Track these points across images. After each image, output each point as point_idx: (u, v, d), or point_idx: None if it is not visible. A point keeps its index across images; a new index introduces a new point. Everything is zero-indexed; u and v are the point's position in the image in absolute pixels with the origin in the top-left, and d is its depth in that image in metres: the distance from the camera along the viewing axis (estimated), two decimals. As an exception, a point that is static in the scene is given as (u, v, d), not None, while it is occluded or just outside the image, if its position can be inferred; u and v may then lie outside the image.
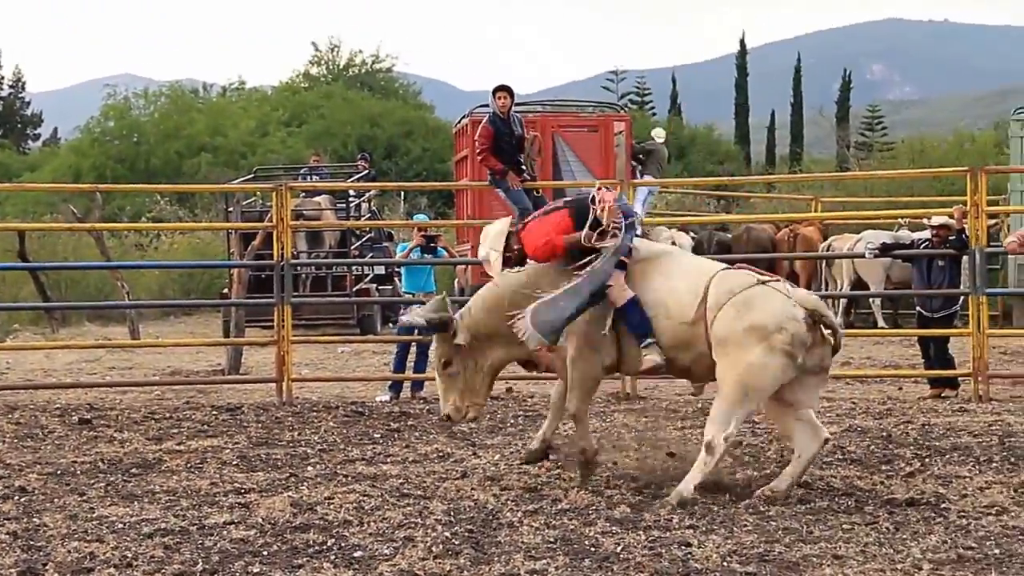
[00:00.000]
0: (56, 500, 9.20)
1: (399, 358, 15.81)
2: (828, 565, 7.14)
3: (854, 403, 14.08)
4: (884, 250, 16.13)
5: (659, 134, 25.89)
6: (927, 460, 10.35)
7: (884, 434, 11.70)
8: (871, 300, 23.99)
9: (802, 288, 10.49)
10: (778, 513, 8.41)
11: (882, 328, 22.76)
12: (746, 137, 68.49)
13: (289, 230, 15.40)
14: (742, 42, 75.99)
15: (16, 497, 9.31)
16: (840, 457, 10.51)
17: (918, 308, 15.64)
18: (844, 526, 8.06)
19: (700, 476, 8.82)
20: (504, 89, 16.12)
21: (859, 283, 23.56)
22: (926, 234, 15.87)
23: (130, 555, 7.49)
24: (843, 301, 24.05)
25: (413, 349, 15.81)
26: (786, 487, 8.92)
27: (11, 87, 72.63)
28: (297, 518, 8.43)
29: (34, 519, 8.51)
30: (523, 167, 16.22)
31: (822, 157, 59.78)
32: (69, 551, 7.58)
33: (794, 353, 8.88)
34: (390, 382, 15.71)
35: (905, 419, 12.77)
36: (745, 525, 8.11)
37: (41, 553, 7.58)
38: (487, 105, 18.58)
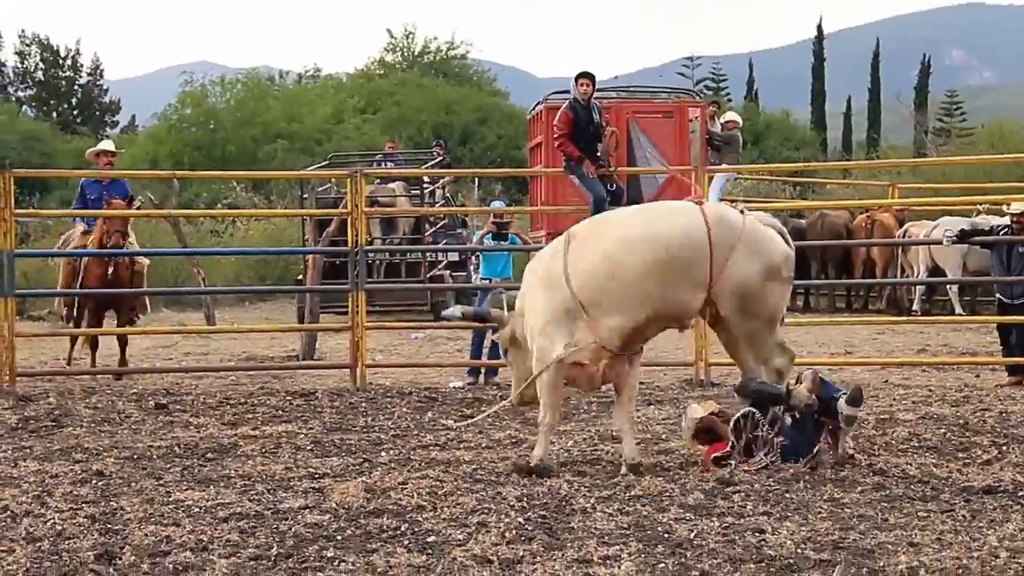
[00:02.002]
0: (133, 484, 9.29)
1: (476, 344, 15.83)
2: (903, 552, 7.08)
3: (931, 390, 13.96)
4: (962, 237, 15.97)
5: (729, 116, 25.67)
6: (1004, 448, 10.25)
7: (961, 421, 11.59)
8: (948, 287, 23.75)
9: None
10: (853, 500, 8.36)
11: (959, 315, 22.54)
12: (822, 123, 67.97)
13: (364, 216, 15.45)
14: (819, 27, 75.33)
15: (94, 481, 9.41)
16: (916, 444, 10.42)
17: (998, 295, 15.48)
18: (920, 513, 8.00)
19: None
20: (586, 76, 15.92)
21: (936, 270, 23.32)
22: (1005, 220, 15.68)
23: (206, 539, 7.56)
24: (920, 288, 23.84)
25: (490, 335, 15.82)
26: None
27: (90, 75, 73.25)
28: (371, 503, 8.46)
29: (111, 503, 8.60)
30: (599, 156, 16.08)
31: (899, 143, 59.10)
32: (146, 534, 7.66)
33: None
34: (468, 368, 15.75)
35: (982, 406, 12.65)
36: (820, 512, 8.06)
37: (118, 536, 7.66)
38: (562, 92, 18.49)
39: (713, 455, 9.65)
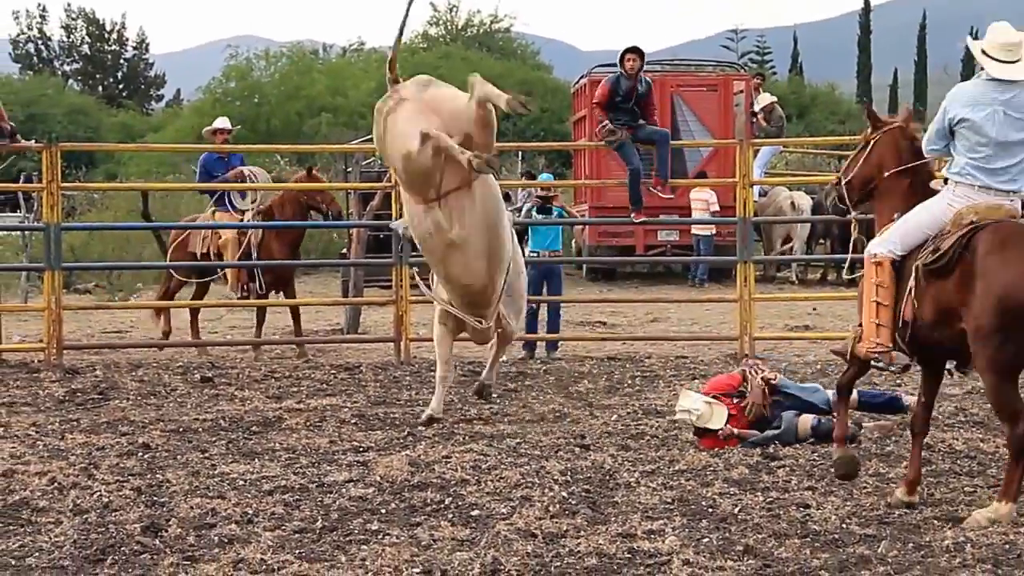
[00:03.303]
0: (179, 457, 9.36)
1: (529, 317, 15.76)
2: (949, 528, 7.08)
3: (977, 365, 13.86)
4: None
5: (766, 99, 25.44)
6: (1051, 422, 10.17)
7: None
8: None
9: None
10: (898, 475, 8.33)
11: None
12: (868, 96, 67.65)
13: (408, 190, 15.42)
14: (867, 0, 74.99)
15: (140, 454, 9.49)
16: (963, 419, 10.37)
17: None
18: (966, 489, 7.98)
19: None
20: (633, 51, 15.68)
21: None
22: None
23: (251, 511, 7.62)
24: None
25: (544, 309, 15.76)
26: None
27: (135, 49, 73.70)
28: (415, 477, 8.50)
29: (157, 475, 8.66)
30: (638, 128, 15.82)
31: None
32: (191, 507, 7.72)
33: None
34: (523, 343, 15.72)
35: (1030, 381, 12.54)
36: (864, 487, 8.05)
37: (164, 509, 7.73)
38: (606, 65, 18.38)
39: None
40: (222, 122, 17.27)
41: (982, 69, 7.73)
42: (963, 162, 7.62)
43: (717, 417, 9.66)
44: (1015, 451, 7.14)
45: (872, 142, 8.21)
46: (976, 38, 8.18)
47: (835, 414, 8.62)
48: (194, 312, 16.48)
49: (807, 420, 9.66)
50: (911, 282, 7.52)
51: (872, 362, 7.82)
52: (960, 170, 7.62)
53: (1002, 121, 7.50)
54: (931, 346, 7.67)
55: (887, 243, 7.74)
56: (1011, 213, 7.50)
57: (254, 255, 15.93)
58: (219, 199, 16.47)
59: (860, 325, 7.87)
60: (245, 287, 16.24)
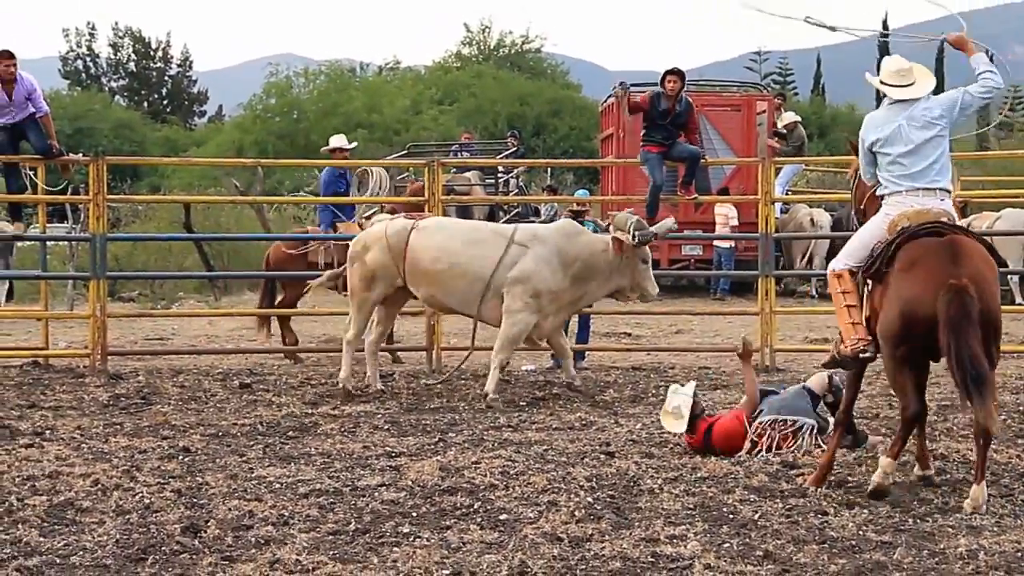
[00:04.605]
0: (217, 460, 9.54)
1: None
2: (963, 536, 7.23)
3: (991, 378, 13.93)
4: None
5: (788, 118, 25.51)
6: (1064, 434, 10.30)
7: (1021, 408, 11.69)
8: (1009, 277, 23.54)
9: None
10: (914, 484, 8.50)
11: (1019, 305, 22.37)
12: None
13: (440, 204, 15.66)
14: (884, 23, 74.97)
15: (180, 457, 9.67)
16: (977, 431, 10.48)
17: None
18: (979, 498, 8.11)
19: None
20: (673, 72, 15.67)
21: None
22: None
23: (287, 514, 7.79)
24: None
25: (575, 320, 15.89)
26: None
27: (179, 66, 74.22)
28: (445, 481, 8.65)
29: (197, 478, 8.84)
30: (669, 146, 15.89)
31: (962, 136, 58.47)
32: (229, 509, 7.90)
33: None
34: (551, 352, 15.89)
35: (1043, 393, 12.67)
36: (881, 495, 8.19)
37: (203, 510, 7.91)
38: (634, 84, 18.42)
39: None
40: (338, 140, 17.43)
41: (884, 96, 8.75)
42: (888, 176, 8.64)
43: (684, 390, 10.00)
44: (904, 421, 8.30)
45: (856, 170, 9.38)
46: (991, 62, 8.90)
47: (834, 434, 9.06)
48: (285, 320, 16.81)
49: (821, 378, 9.95)
50: (864, 288, 8.68)
51: (860, 355, 8.63)
52: (888, 185, 8.61)
53: (907, 129, 8.57)
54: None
55: (842, 258, 8.91)
56: (939, 216, 8.37)
57: None
58: (340, 210, 16.72)
59: (840, 333, 8.80)
60: None
